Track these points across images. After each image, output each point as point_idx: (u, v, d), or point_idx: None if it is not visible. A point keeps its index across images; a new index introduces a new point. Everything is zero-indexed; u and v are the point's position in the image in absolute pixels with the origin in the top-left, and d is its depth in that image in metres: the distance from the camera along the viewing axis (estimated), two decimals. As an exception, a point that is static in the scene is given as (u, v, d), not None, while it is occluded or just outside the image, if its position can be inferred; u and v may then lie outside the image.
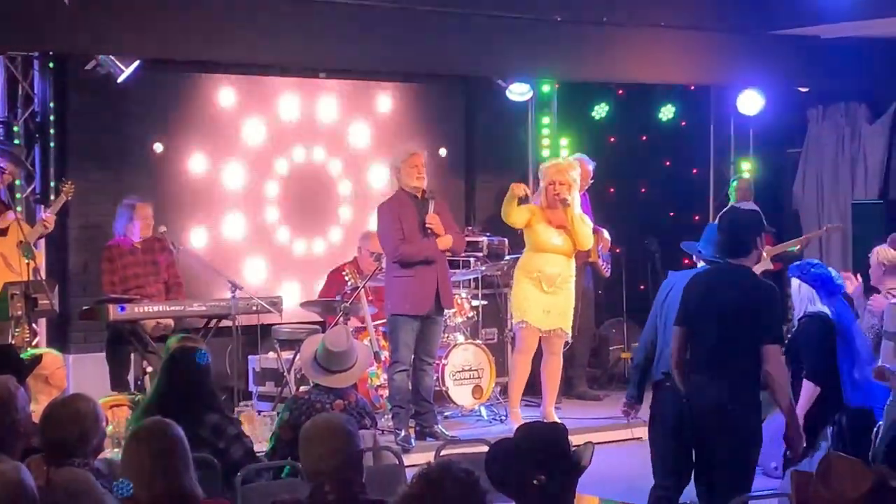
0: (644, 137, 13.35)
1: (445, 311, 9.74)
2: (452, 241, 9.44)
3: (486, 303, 11.00)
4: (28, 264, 8.92)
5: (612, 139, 13.11)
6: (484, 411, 10.40)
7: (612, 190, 12.90)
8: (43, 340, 9.87)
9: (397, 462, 6.53)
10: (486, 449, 4.58)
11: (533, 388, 10.31)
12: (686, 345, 6.47)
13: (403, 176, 9.43)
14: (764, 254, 11.52)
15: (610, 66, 11.08)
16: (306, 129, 11.46)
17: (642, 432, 7.79)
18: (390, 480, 6.00)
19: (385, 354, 9.79)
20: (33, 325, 9.28)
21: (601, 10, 10.66)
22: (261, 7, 9.28)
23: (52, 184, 10.11)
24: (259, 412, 9.77)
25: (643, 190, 13.33)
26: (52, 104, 10.27)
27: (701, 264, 7.06)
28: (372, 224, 10.39)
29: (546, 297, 9.76)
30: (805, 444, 6.60)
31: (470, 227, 11.66)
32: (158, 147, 10.75)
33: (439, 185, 10.81)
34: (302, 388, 8.56)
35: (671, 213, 13.18)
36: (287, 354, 10.02)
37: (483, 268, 10.93)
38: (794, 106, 13.08)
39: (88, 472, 4.67)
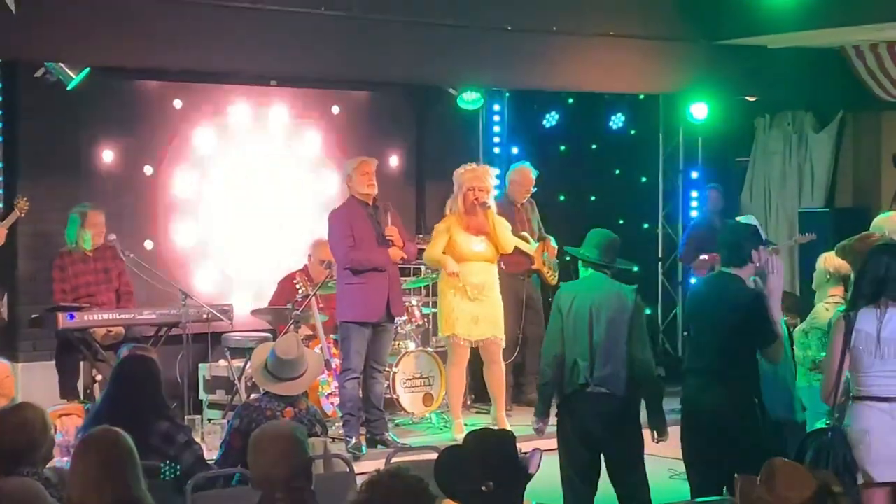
0: (594, 146, 13.43)
1: (396, 318, 9.77)
2: (404, 252, 9.47)
3: (436, 311, 11.01)
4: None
5: (563, 147, 13.17)
6: (434, 418, 10.42)
7: (561, 198, 12.97)
8: (-9, 349, 9.80)
9: (348, 470, 6.54)
10: (435, 456, 4.61)
11: (485, 396, 10.35)
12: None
13: (355, 183, 9.44)
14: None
15: (560, 75, 11.13)
16: (257, 136, 11.45)
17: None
18: (341, 488, 6.03)
19: (336, 362, 9.80)
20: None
21: (551, 19, 10.71)
22: (211, 15, 9.26)
23: (1, 191, 10.04)
24: (209, 420, 9.75)
25: (593, 198, 13.40)
26: (0, 111, 10.21)
27: (586, 268, 7.20)
28: (323, 232, 10.40)
29: (473, 306, 9.72)
30: None
31: (420, 235, 11.67)
32: (108, 154, 10.72)
33: (390, 193, 10.83)
34: (252, 396, 8.56)
35: (620, 221, 13.23)
36: (237, 362, 10.01)
37: (434, 276, 10.95)
38: (742, 115, 13.22)
39: (37, 481, 4.66)
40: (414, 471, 4.06)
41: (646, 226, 13.60)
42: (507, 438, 4.47)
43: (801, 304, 9.10)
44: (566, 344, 7.05)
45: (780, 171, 13.29)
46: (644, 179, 13.69)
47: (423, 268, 10.92)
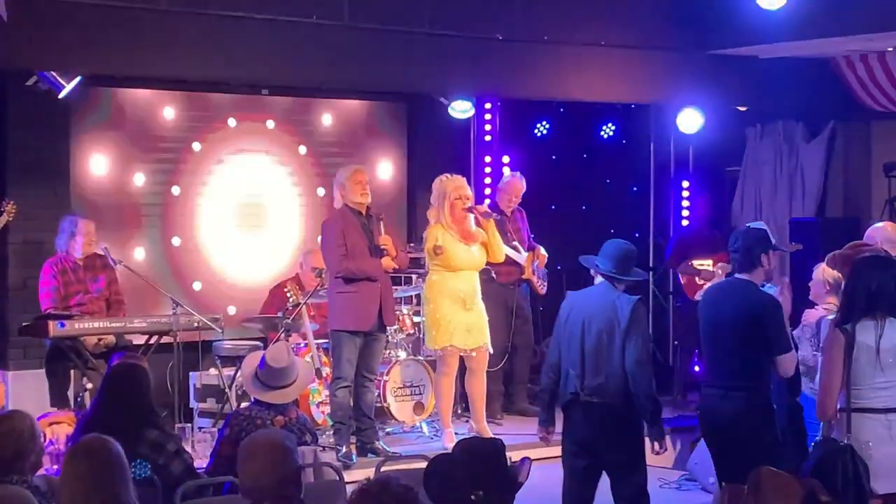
0: (585, 155, 13.45)
1: (388, 327, 9.78)
2: (396, 261, 9.48)
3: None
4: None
5: (554, 157, 13.19)
6: (425, 427, 10.42)
7: (552, 207, 12.99)
8: (-19, 357, 9.81)
9: (338, 478, 6.55)
10: (425, 465, 4.62)
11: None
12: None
13: (348, 192, 9.45)
14: (719, 270, 11.77)
15: (551, 85, 11.15)
16: (248, 145, 11.45)
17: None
18: (331, 497, 6.04)
19: (327, 371, 9.80)
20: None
21: (542, 28, 10.72)
22: (202, 24, 9.26)
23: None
24: (200, 428, 9.74)
25: (584, 207, 13.41)
26: (-9, 119, 10.23)
27: (598, 279, 7.23)
28: (314, 240, 10.41)
29: (466, 316, 9.72)
30: None
31: (412, 244, 11.68)
32: (99, 163, 10.72)
33: (381, 202, 10.85)
34: (243, 405, 8.56)
35: (612, 231, 13.21)
36: (228, 371, 10.01)
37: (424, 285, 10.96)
38: (733, 124, 13.23)
39: (26, 490, 4.66)
40: (404, 480, 4.07)
41: (637, 235, 13.60)
42: (497, 447, 4.48)
43: (792, 313, 9.10)
44: (562, 353, 7.10)
45: (771, 181, 13.31)
46: (635, 189, 13.71)
47: (414, 277, 10.92)
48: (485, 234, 9.82)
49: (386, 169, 12.16)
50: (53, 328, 9.26)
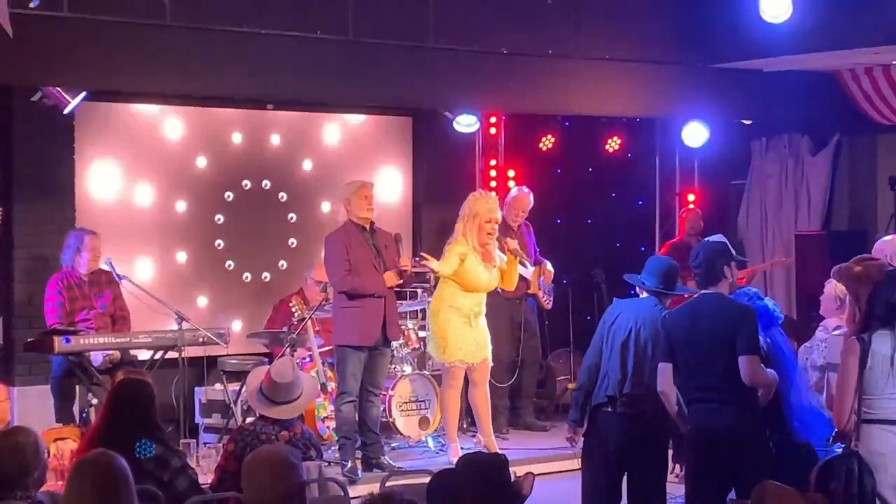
0: (590, 169, 13.44)
1: (393, 342, 9.77)
2: (404, 275, 9.52)
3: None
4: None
5: (559, 171, 13.19)
6: (431, 442, 10.40)
7: (558, 221, 12.98)
8: (-13, 373, 9.81)
9: (343, 493, 6.53)
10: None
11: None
12: (672, 380, 6.71)
13: (353, 207, 9.46)
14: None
15: (556, 99, 11.16)
16: (253, 160, 11.46)
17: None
18: (335, 512, 6.02)
19: (332, 386, 9.79)
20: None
21: (547, 43, 10.74)
22: (207, 39, 9.29)
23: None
24: (205, 444, 9.73)
25: (589, 221, 13.41)
26: (-3, 135, 10.24)
27: (644, 295, 7.25)
28: (318, 255, 10.41)
29: (472, 331, 9.72)
30: None
31: (416, 258, 11.68)
32: (105, 178, 10.73)
33: (386, 217, 10.85)
34: (248, 420, 8.55)
35: (617, 244, 13.25)
36: (233, 386, 10.00)
37: (430, 299, 10.95)
38: (738, 138, 13.23)
39: (30, 506, 4.66)
40: (408, 495, 4.06)
41: (642, 248, 13.59)
42: (500, 462, 4.47)
43: (798, 328, 9.11)
44: (603, 356, 7.16)
45: (777, 194, 13.30)
46: (640, 202, 13.70)
47: (419, 291, 10.92)
48: (504, 262, 9.83)
49: (391, 183, 12.16)
50: (59, 344, 9.26)
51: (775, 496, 4.19)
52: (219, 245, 11.29)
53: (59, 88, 9.45)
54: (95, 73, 9.08)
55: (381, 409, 9.84)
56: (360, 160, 11.91)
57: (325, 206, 11.73)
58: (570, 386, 11.94)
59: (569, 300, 12.12)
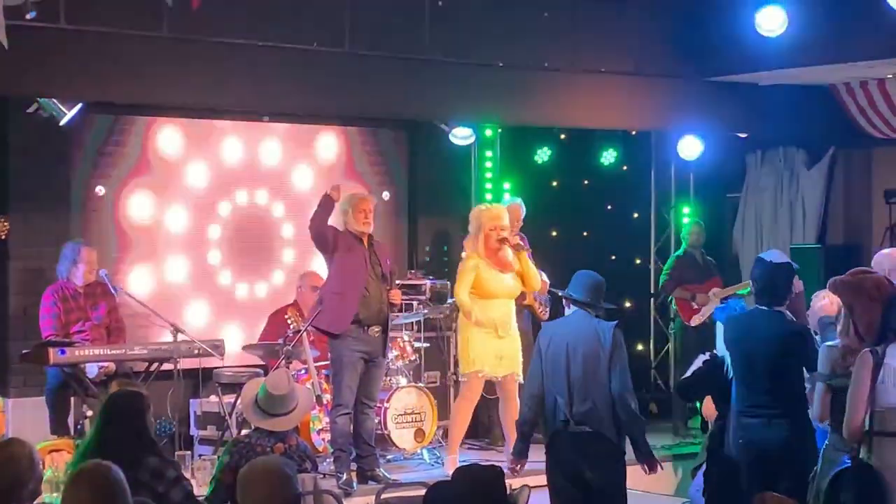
0: (586, 181, 13.45)
1: (388, 354, 9.79)
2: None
3: (428, 346, 11.02)
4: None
5: (555, 183, 13.20)
6: (426, 454, 10.40)
7: (554, 233, 12.99)
8: (-19, 384, 9.79)
9: (337, 505, 6.53)
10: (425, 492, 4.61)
11: (477, 432, 10.34)
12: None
13: (351, 219, 9.49)
14: (713, 295, 11.77)
15: (552, 111, 11.17)
16: (249, 172, 11.46)
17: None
18: (330, 524, 6.01)
19: (327, 398, 9.78)
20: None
21: (542, 55, 10.75)
22: (203, 50, 9.28)
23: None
24: (200, 455, 9.72)
25: (585, 233, 13.41)
26: (-8, 147, 10.24)
27: (571, 308, 7.38)
28: (316, 265, 10.42)
29: (499, 343, 9.70)
30: None
31: (412, 271, 11.69)
32: (101, 190, 10.73)
33: (382, 228, 10.85)
34: (243, 432, 8.54)
35: (612, 257, 13.25)
36: (228, 398, 9.98)
37: (426, 311, 10.96)
38: (734, 151, 13.26)
39: (24, 518, 4.65)
40: (402, 507, 4.06)
41: (638, 261, 13.61)
42: (496, 474, 4.47)
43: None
44: (546, 381, 7.17)
45: (772, 208, 13.32)
46: (636, 215, 13.71)
47: (414, 303, 10.92)
48: (520, 264, 9.84)
49: (387, 195, 12.16)
50: (54, 355, 9.24)
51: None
52: (214, 257, 11.28)
53: (54, 100, 9.45)
54: (92, 84, 9.07)
55: (377, 421, 9.83)
56: (355, 172, 11.92)
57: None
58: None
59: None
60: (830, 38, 10.55)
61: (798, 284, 7.06)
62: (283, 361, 9.67)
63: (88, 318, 9.85)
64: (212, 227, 11.28)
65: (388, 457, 10.24)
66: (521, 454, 7.34)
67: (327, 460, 9.63)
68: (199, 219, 11.21)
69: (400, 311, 10.42)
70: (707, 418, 8.98)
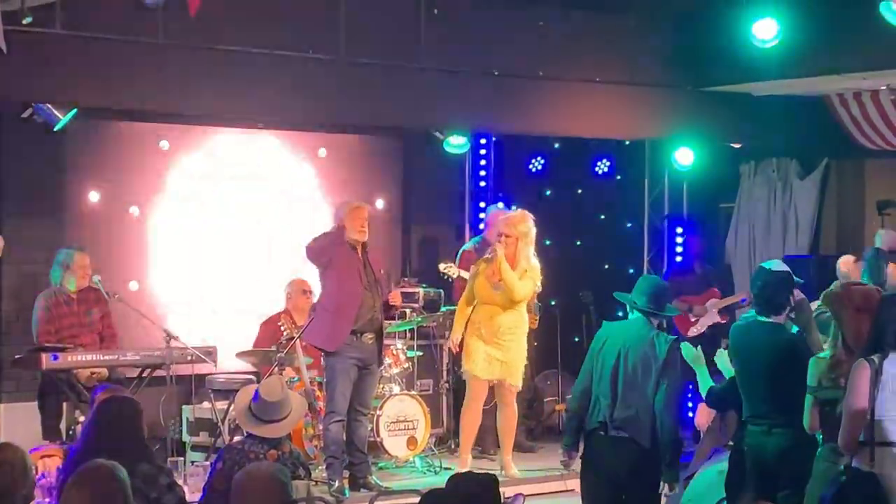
0: (580, 191, 13.47)
1: (382, 362, 9.80)
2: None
3: (421, 353, 11.02)
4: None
5: (548, 192, 13.21)
6: (418, 462, 10.39)
7: (547, 242, 12.99)
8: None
9: (330, 512, 6.53)
10: (417, 500, 4.61)
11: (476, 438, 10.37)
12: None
13: (346, 227, 9.49)
14: (710, 306, 11.79)
15: (546, 121, 11.19)
16: (243, 178, 11.46)
17: (575, 484, 7.90)
18: (323, 531, 6.01)
19: (320, 405, 9.78)
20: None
21: (537, 64, 10.77)
22: (198, 57, 9.30)
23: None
24: (192, 462, 9.71)
25: (578, 243, 13.43)
26: (-14, 151, 10.24)
27: (634, 314, 7.29)
28: (307, 273, 10.42)
29: (489, 348, 9.81)
30: None
31: (406, 279, 11.69)
32: (94, 195, 10.73)
33: (376, 236, 10.85)
34: (236, 438, 8.54)
35: (606, 266, 13.27)
36: (221, 404, 9.98)
37: (419, 318, 10.97)
38: (727, 161, 13.27)
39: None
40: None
41: (631, 271, 13.60)
42: (490, 482, 4.47)
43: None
44: (593, 381, 7.17)
45: (765, 218, 13.33)
46: (629, 224, 13.73)
47: (407, 311, 10.92)
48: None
49: (381, 203, 12.17)
50: (46, 360, 9.24)
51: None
52: (208, 263, 11.28)
53: (49, 105, 9.45)
54: (86, 90, 9.08)
55: (369, 428, 9.84)
56: (349, 179, 11.92)
57: (316, 225, 11.70)
58: (559, 407, 11.98)
59: (557, 322, 12.13)
60: (824, 49, 10.59)
61: (797, 293, 7.01)
62: (276, 368, 9.67)
63: (81, 324, 9.85)
64: (205, 233, 11.27)
65: (380, 464, 10.23)
66: (571, 447, 7.36)
67: (320, 467, 9.62)
68: (192, 225, 11.20)
69: (392, 319, 10.43)
70: (699, 427, 8.98)
